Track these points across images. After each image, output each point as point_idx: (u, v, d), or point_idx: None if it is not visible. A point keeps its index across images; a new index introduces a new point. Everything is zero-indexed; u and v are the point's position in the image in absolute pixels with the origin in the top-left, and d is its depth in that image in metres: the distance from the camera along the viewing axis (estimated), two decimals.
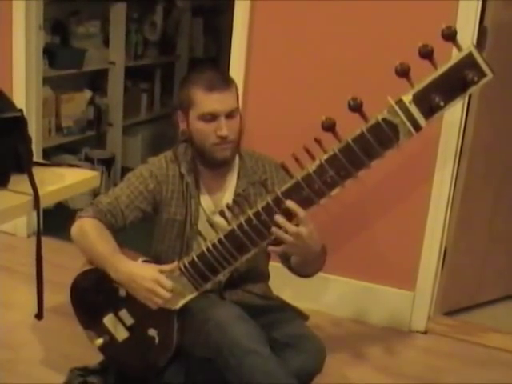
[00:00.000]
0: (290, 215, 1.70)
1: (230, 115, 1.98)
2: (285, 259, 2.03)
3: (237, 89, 2.07)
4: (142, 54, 4.94)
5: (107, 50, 4.50)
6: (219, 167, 2.07)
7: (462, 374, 2.61)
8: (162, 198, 2.10)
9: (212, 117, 1.97)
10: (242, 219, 1.74)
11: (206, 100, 1.97)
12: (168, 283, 1.86)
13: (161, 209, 2.11)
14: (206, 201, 2.10)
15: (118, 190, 2.11)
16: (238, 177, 2.12)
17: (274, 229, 1.72)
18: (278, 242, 1.76)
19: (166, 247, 2.13)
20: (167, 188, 2.10)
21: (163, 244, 2.14)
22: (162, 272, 1.89)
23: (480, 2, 2.52)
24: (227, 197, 2.08)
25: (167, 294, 1.86)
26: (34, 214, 1.60)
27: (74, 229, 2.06)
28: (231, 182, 2.12)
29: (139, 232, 2.20)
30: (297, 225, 1.72)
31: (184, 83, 2.07)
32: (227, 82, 2.01)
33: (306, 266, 1.99)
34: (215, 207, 2.07)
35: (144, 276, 1.88)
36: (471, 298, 3.09)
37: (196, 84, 1.99)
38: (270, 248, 1.79)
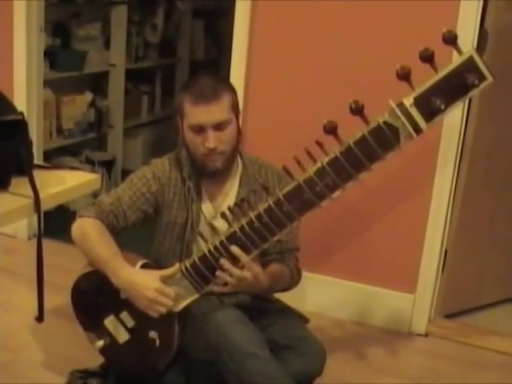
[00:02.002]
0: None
1: (218, 127, 1.96)
2: None
3: (233, 98, 2.01)
4: (142, 57, 4.95)
5: (108, 52, 4.50)
6: (212, 177, 2.06)
7: (462, 376, 2.60)
8: (164, 201, 2.10)
9: (199, 128, 1.96)
10: (244, 221, 1.75)
11: (193, 112, 1.96)
12: (171, 291, 1.87)
13: (162, 211, 2.11)
14: (206, 206, 2.10)
15: (120, 190, 2.10)
16: (240, 184, 2.11)
17: (218, 272, 1.79)
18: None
19: (166, 250, 2.13)
20: (169, 191, 2.10)
21: (163, 246, 2.14)
22: (163, 278, 1.89)
23: (481, 5, 2.52)
24: (228, 203, 2.06)
25: (170, 303, 1.87)
26: (35, 216, 1.60)
27: (75, 229, 2.05)
28: (232, 189, 2.11)
29: (139, 234, 2.20)
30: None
31: (180, 91, 2.07)
32: (216, 93, 1.95)
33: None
34: (215, 213, 2.07)
35: (146, 285, 1.87)
36: (471, 301, 3.08)
37: (187, 94, 1.98)
38: (217, 289, 1.87)
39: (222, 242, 1.80)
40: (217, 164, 2.00)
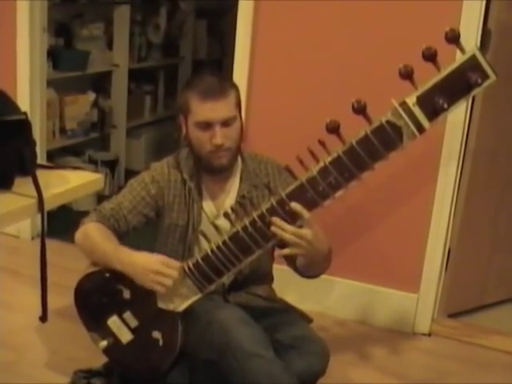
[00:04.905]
0: (294, 217, 1.71)
1: (225, 123, 1.97)
2: (290, 260, 2.02)
3: (237, 95, 2.04)
4: (145, 57, 4.96)
5: (111, 52, 4.51)
6: (217, 174, 2.07)
7: (466, 376, 2.60)
8: (165, 203, 2.11)
9: (207, 125, 1.96)
10: (247, 221, 1.75)
11: (200, 108, 1.96)
12: (176, 263, 1.87)
13: (163, 214, 2.12)
14: (208, 205, 2.10)
15: (120, 196, 2.12)
16: (241, 180, 2.12)
17: (273, 228, 1.72)
18: (284, 244, 1.77)
19: (169, 252, 2.12)
20: (169, 193, 2.11)
21: (165, 248, 2.14)
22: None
23: (484, 4, 2.52)
24: (229, 200, 2.08)
25: (176, 274, 1.86)
26: (38, 216, 1.60)
27: (78, 234, 2.07)
28: (234, 186, 2.12)
29: (142, 236, 2.20)
30: (301, 226, 1.73)
31: (183, 89, 2.07)
32: (223, 90, 1.98)
33: (311, 267, 1.97)
34: (217, 211, 2.08)
35: (150, 259, 1.89)
36: (475, 300, 3.08)
37: (192, 91, 1.99)
38: (277, 251, 1.80)
39: (224, 242, 1.80)
40: (223, 161, 2.01)
